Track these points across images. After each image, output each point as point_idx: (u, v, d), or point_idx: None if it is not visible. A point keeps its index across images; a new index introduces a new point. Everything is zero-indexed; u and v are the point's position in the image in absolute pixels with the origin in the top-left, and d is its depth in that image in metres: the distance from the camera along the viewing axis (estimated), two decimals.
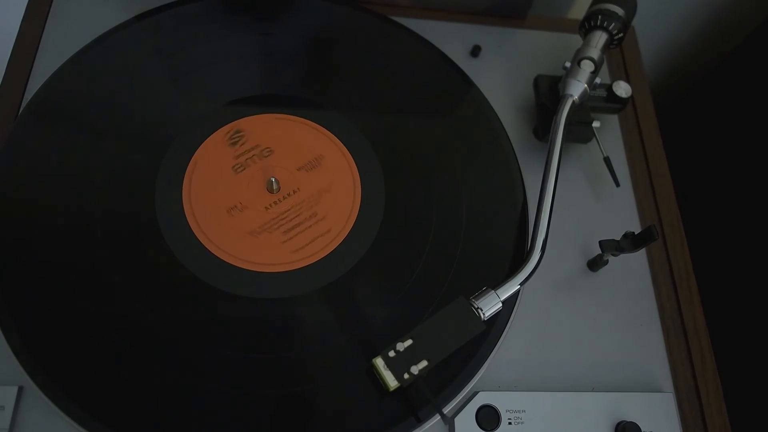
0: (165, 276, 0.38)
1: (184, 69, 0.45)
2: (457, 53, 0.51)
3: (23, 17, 0.48)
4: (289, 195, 0.41)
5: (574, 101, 0.43)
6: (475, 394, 0.38)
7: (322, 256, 0.39)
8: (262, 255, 0.39)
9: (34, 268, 0.37)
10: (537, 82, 0.48)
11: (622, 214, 0.47)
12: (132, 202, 0.40)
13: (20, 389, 0.35)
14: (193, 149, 0.42)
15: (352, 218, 0.41)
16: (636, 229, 0.46)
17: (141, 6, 0.47)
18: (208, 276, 0.38)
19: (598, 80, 0.45)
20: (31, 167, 0.40)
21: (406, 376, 0.34)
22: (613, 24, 0.45)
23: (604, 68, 0.54)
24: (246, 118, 0.44)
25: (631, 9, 0.46)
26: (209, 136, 0.43)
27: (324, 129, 0.44)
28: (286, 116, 0.44)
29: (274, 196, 0.41)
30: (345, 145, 0.44)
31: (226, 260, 0.38)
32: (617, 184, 0.46)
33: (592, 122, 0.46)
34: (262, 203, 0.41)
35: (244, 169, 0.42)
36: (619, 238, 0.41)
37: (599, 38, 0.45)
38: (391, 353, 0.35)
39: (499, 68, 0.52)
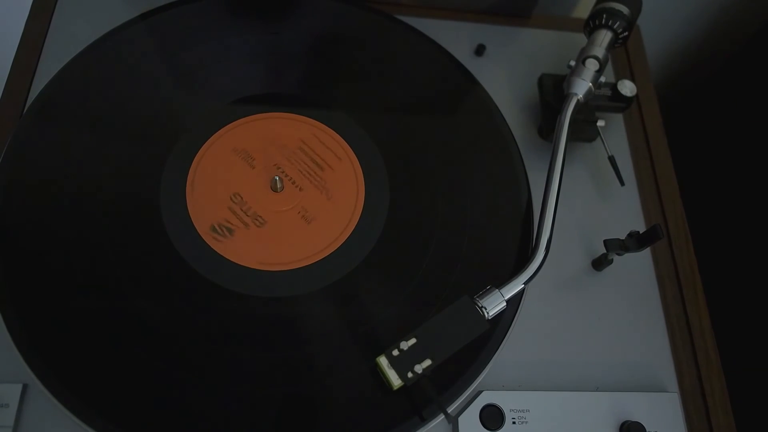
0: (172, 276, 0.38)
1: (189, 68, 0.45)
2: (462, 52, 0.51)
3: (28, 16, 0.48)
4: (293, 190, 0.42)
5: (578, 100, 0.43)
6: (479, 393, 0.38)
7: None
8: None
9: (39, 266, 0.37)
10: (541, 80, 0.47)
11: (627, 213, 0.47)
12: (137, 201, 0.40)
13: (24, 387, 0.35)
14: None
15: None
16: (641, 228, 0.46)
17: (145, 5, 0.48)
18: (208, 271, 0.38)
19: (602, 79, 0.45)
20: (35, 166, 0.40)
21: (409, 375, 0.34)
22: (618, 23, 0.45)
23: (609, 67, 0.54)
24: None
25: (636, 8, 0.46)
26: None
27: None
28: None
29: (280, 195, 0.41)
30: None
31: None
32: (622, 183, 0.46)
33: (596, 121, 0.46)
34: (271, 205, 0.41)
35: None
36: (623, 238, 0.41)
37: (604, 37, 0.45)
38: (395, 352, 0.35)
39: (504, 67, 0.52)
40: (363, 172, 0.43)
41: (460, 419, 0.37)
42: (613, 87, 0.46)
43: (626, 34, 0.46)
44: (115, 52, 0.45)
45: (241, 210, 0.40)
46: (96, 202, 0.39)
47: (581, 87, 0.43)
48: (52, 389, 0.34)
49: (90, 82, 0.43)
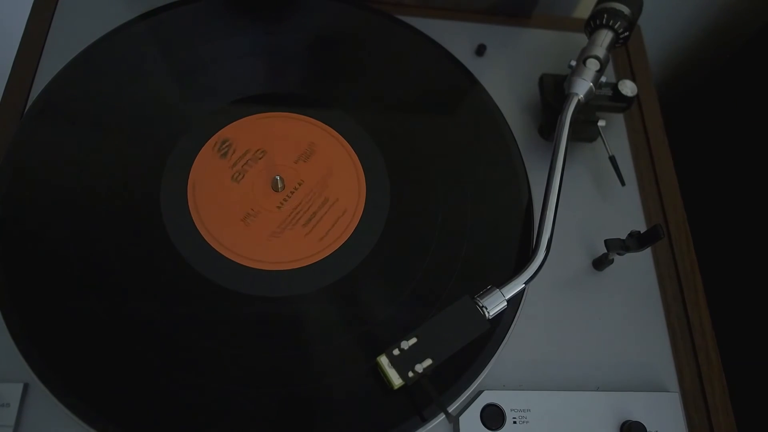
0: (172, 275, 0.38)
1: (189, 67, 0.45)
2: (463, 52, 0.51)
3: (29, 16, 0.48)
4: (295, 189, 0.42)
5: (579, 100, 0.43)
6: (479, 393, 0.38)
7: (348, 237, 0.40)
8: (286, 253, 0.39)
9: (40, 267, 0.37)
10: (542, 80, 0.47)
11: (628, 213, 0.47)
12: (138, 201, 0.40)
13: (25, 386, 0.35)
14: (187, 169, 0.41)
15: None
16: (641, 228, 0.46)
17: (146, 5, 0.48)
18: (207, 269, 0.38)
19: (603, 79, 0.45)
20: (35, 166, 0.40)
21: (410, 374, 0.34)
22: (618, 23, 0.45)
23: (610, 67, 0.54)
24: (229, 126, 0.43)
25: (637, 8, 0.46)
26: (198, 152, 0.42)
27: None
28: (270, 114, 0.44)
29: (281, 194, 0.41)
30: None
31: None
32: (623, 183, 0.46)
33: (597, 121, 0.46)
34: (272, 204, 0.41)
35: (243, 176, 0.42)
36: (624, 237, 0.41)
37: (605, 37, 0.45)
38: (396, 351, 0.35)
39: (505, 67, 0.52)
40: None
41: (461, 419, 0.37)
42: (614, 87, 0.46)
43: (627, 34, 0.46)
44: (116, 52, 0.45)
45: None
46: (97, 201, 0.39)
47: (582, 87, 0.43)
48: (52, 389, 0.34)
49: (91, 82, 0.43)
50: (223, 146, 0.42)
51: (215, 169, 0.42)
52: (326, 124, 0.44)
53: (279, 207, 0.41)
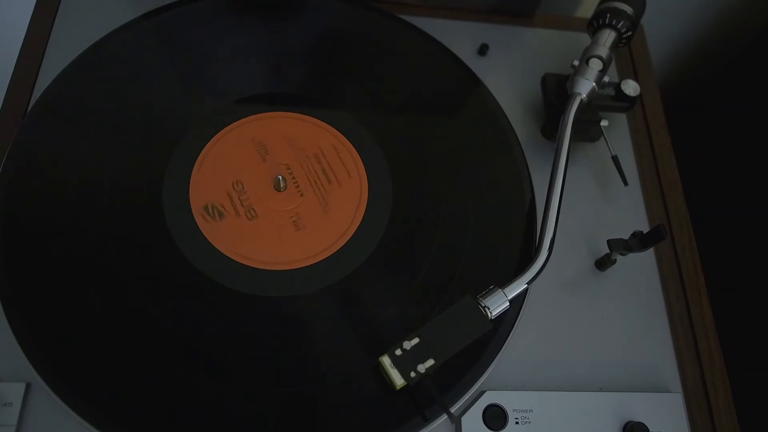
0: (173, 274, 0.38)
1: (191, 67, 0.45)
2: (465, 52, 0.51)
3: (32, 16, 0.48)
4: (296, 193, 0.42)
5: (582, 100, 0.43)
6: (482, 393, 0.38)
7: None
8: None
9: (42, 265, 0.37)
10: (545, 80, 0.47)
11: (631, 213, 0.46)
12: (141, 202, 0.40)
13: (28, 386, 0.35)
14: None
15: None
16: (644, 228, 0.46)
17: (149, 4, 0.48)
18: (210, 270, 0.38)
19: (606, 79, 0.44)
20: (38, 165, 0.40)
21: (412, 374, 0.34)
22: (621, 22, 0.45)
23: (613, 67, 0.53)
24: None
25: (640, 7, 0.46)
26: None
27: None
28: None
29: (282, 195, 0.41)
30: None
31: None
32: (625, 183, 0.46)
33: (600, 121, 0.46)
34: (274, 203, 0.41)
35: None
36: (627, 238, 0.40)
37: (608, 36, 0.45)
38: (398, 351, 0.35)
39: (507, 67, 0.52)
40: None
41: (463, 419, 0.37)
42: (617, 87, 0.46)
43: (630, 33, 0.46)
44: (119, 51, 0.45)
45: (239, 198, 0.40)
46: (99, 200, 0.39)
47: (585, 87, 0.43)
48: (55, 388, 0.34)
49: (93, 81, 0.43)
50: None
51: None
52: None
53: (274, 206, 0.41)
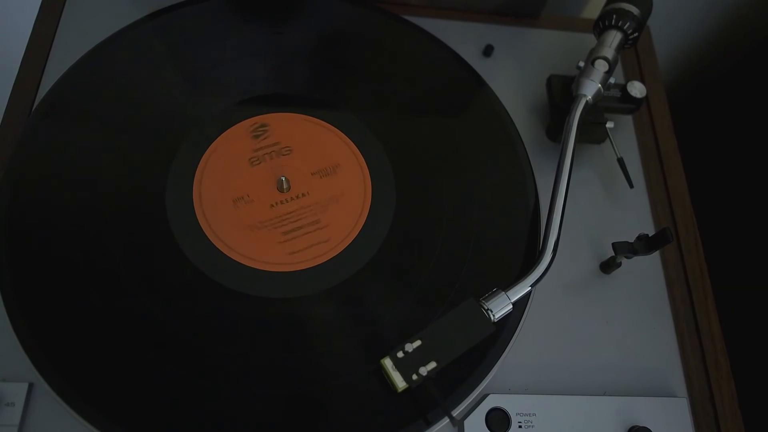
0: (175, 274, 0.38)
1: (195, 68, 0.45)
2: (470, 53, 0.51)
3: (37, 16, 0.48)
4: (297, 197, 0.41)
5: (587, 101, 0.43)
6: (485, 396, 0.37)
7: (317, 264, 0.39)
8: (257, 251, 0.39)
9: (46, 267, 0.37)
10: (550, 82, 0.47)
11: (636, 216, 0.46)
12: (145, 202, 0.40)
13: (30, 386, 0.35)
14: (214, 137, 0.42)
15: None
16: (650, 231, 0.45)
17: (153, 5, 0.48)
18: (213, 271, 0.38)
19: (612, 80, 0.44)
20: (43, 165, 0.40)
21: (414, 377, 0.34)
22: (628, 23, 0.44)
23: (619, 68, 0.53)
24: (273, 114, 0.44)
25: (647, 8, 0.45)
26: (234, 125, 0.43)
27: (344, 135, 0.44)
28: (312, 119, 0.44)
29: (282, 195, 0.41)
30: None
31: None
32: (631, 186, 0.45)
33: (605, 123, 0.45)
34: (269, 200, 0.41)
35: (260, 163, 0.42)
36: (632, 240, 0.40)
37: (614, 38, 0.45)
38: (400, 354, 0.34)
39: (512, 68, 0.51)
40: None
41: (466, 423, 0.37)
42: (623, 88, 0.46)
43: (636, 34, 0.45)
44: (123, 52, 0.45)
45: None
46: (103, 200, 0.39)
47: (590, 88, 0.43)
48: (57, 388, 0.34)
49: (98, 82, 0.43)
50: (260, 129, 0.43)
51: (237, 149, 0.42)
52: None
53: (272, 206, 0.41)
